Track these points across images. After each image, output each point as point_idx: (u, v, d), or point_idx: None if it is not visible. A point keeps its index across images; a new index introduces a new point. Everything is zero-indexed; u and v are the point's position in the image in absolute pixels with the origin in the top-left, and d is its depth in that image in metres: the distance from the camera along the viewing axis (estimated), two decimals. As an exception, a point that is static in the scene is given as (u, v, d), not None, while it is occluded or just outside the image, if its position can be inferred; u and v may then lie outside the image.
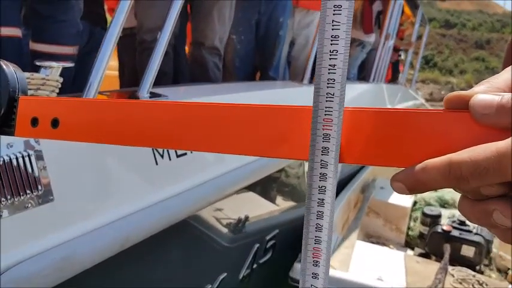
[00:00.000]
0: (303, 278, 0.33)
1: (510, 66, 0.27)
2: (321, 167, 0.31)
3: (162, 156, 1.16)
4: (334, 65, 0.30)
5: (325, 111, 0.30)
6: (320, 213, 0.32)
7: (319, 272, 0.33)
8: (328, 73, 0.30)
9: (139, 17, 1.78)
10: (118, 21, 1.12)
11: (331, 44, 0.30)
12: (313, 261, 0.33)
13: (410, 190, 0.26)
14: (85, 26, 1.62)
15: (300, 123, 0.32)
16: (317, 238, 0.33)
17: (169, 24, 1.31)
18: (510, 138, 0.22)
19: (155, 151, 1.14)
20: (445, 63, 33.17)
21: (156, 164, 1.15)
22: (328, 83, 0.30)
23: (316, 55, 0.34)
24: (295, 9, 2.85)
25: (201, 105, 0.35)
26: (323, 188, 0.32)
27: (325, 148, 0.30)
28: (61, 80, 0.93)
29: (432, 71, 31.10)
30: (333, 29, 0.29)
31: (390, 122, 0.28)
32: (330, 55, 0.30)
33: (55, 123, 0.38)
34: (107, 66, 1.10)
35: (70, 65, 0.96)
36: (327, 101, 0.30)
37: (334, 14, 0.29)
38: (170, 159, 1.20)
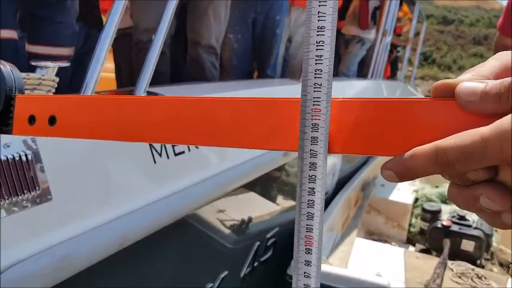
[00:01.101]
0: (296, 265, 0.33)
1: (493, 57, 0.27)
2: (311, 157, 0.32)
3: (160, 154, 1.17)
4: (321, 56, 0.30)
5: (313, 101, 0.31)
6: (311, 202, 0.33)
7: (312, 259, 0.33)
8: (316, 63, 0.31)
9: (135, 17, 1.78)
10: (112, 22, 1.13)
11: (317, 35, 0.30)
12: (306, 249, 0.33)
13: (400, 177, 0.27)
14: (81, 27, 1.63)
15: (290, 115, 0.32)
16: (308, 226, 0.33)
17: (164, 24, 1.31)
18: (493, 123, 0.23)
19: (153, 149, 1.15)
20: (444, 59, 33.20)
21: (155, 162, 1.15)
22: (315, 74, 0.31)
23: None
24: (292, 7, 2.85)
25: (194, 100, 0.36)
26: (313, 177, 0.32)
27: (314, 138, 0.31)
28: (57, 79, 0.94)
29: (431, 68, 31.13)
30: (319, 20, 0.30)
31: (378, 112, 0.29)
32: (317, 46, 0.30)
33: (52, 120, 0.38)
34: (102, 66, 1.10)
35: (66, 64, 0.97)
36: (314, 91, 0.31)
37: (320, 6, 0.30)
38: (168, 157, 1.20)
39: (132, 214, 1.01)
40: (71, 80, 1.48)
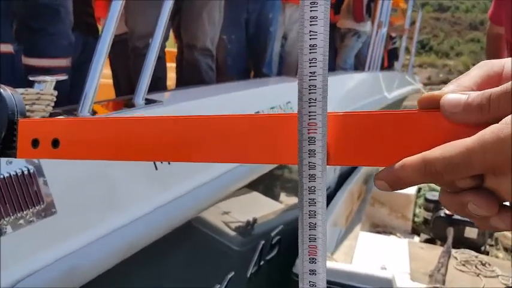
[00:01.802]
0: (301, 276, 0.34)
1: (476, 65, 0.28)
2: (309, 169, 0.32)
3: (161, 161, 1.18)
4: (315, 72, 0.31)
5: (309, 116, 0.31)
6: (312, 212, 0.34)
7: (317, 268, 0.34)
8: (310, 80, 0.31)
9: (129, 24, 1.79)
10: (109, 30, 1.13)
11: (310, 53, 0.31)
12: (310, 258, 0.34)
13: (392, 187, 0.28)
14: (77, 37, 1.63)
15: (288, 130, 0.33)
16: (311, 236, 0.34)
17: (160, 29, 1.32)
18: (476, 135, 0.23)
19: (154, 157, 1.15)
20: (441, 46, 33.06)
21: (156, 169, 1.16)
22: (310, 90, 0.32)
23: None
24: (286, 4, 2.85)
25: (193, 119, 0.37)
26: (312, 188, 0.33)
27: (312, 151, 0.32)
28: (55, 93, 0.94)
29: (429, 55, 31.01)
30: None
31: (369, 124, 0.30)
32: (310, 63, 0.31)
33: (55, 143, 0.39)
34: (100, 75, 1.11)
35: (63, 77, 0.97)
36: (310, 106, 0.31)
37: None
38: (169, 163, 1.21)
39: (136, 222, 1.02)
40: (71, 91, 1.48)
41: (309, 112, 0.31)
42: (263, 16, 2.39)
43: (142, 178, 1.13)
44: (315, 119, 0.31)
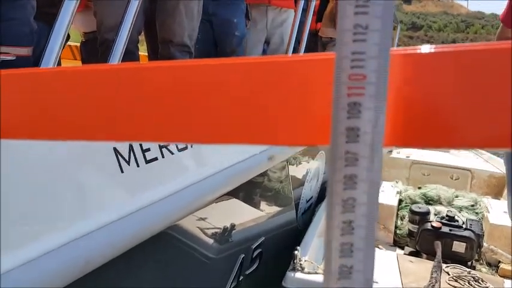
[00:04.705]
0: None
1: None
2: (346, 165, 0.19)
3: (128, 162, 1.02)
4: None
5: (352, 59, 0.18)
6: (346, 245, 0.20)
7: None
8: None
9: (98, 15, 1.63)
10: (64, 19, 0.99)
11: None
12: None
13: None
14: (43, 27, 1.47)
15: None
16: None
17: (129, 19, 1.18)
18: None
19: (119, 156, 0.99)
20: (415, 63, 34.32)
21: (122, 171, 1.00)
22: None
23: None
24: (268, 7, 2.76)
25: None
26: (351, 204, 0.19)
27: (352, 129, 0.18)
28: None
29: (403, 72, 32.03)
30: None
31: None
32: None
33: None
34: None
35: (11, 58, 0.81)
36: (355, 40, 0.18)
37: None
38: (138, 165, 1.05)
39: (93, 234, 0.86)
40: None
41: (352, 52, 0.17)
42: (226, 20, 2.32)
43: (103, 183, 0.97)
44: (362, 66, 0.17)
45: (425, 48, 0.18)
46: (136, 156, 1.04)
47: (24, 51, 1.31)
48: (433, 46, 0.18)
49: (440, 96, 0.17)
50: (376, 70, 0.16)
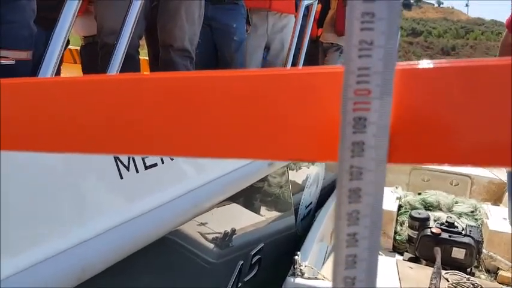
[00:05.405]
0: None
1: None
2: (351, 179, 0.19)
3: (127, 168, 1.02)
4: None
5: (358, 74, 0.18)
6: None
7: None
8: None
9: (98, 18, 1.63)
10: (65, 20, 0.99)
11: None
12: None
13: None
14: (41, 34, 1.47)
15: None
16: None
17: (130, 23, 1.18)
18: None
19: (119, 162, 0.99)
20: (414, 69, 34.43)
21: (121, 177, 1.00)
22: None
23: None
24: (268, 13, 2.77)
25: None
26: (355, 217, 0.19)
27: (358, 143, 0.18)
28: None
29: (403, 77, 32.13)
30: None
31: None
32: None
33: None
34: (54, 72, 0.97)
35: (10, 62, 0.81)
36: (360, 56, 0.18)
37: None
38: (138, 171, 1.05)
39: (93, 240, 0.85)
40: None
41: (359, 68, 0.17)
42: (225, 25, 2.33)
43: (103, 189, 0.96)
44: (367, 82, 0.17)
45: (430, 64, 0.18)
46: (136, 162, 1.04)
47: (24, 54, 1.31)
48: (437, 61, 0.18)
49: (445, 113, 0.17)
50: (381, 85, 0.16)
